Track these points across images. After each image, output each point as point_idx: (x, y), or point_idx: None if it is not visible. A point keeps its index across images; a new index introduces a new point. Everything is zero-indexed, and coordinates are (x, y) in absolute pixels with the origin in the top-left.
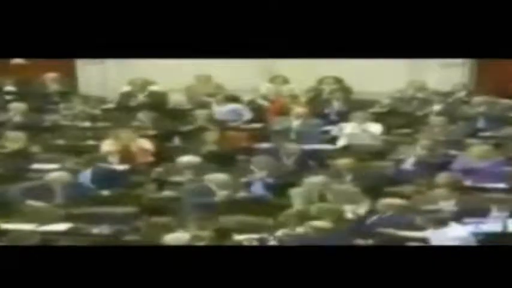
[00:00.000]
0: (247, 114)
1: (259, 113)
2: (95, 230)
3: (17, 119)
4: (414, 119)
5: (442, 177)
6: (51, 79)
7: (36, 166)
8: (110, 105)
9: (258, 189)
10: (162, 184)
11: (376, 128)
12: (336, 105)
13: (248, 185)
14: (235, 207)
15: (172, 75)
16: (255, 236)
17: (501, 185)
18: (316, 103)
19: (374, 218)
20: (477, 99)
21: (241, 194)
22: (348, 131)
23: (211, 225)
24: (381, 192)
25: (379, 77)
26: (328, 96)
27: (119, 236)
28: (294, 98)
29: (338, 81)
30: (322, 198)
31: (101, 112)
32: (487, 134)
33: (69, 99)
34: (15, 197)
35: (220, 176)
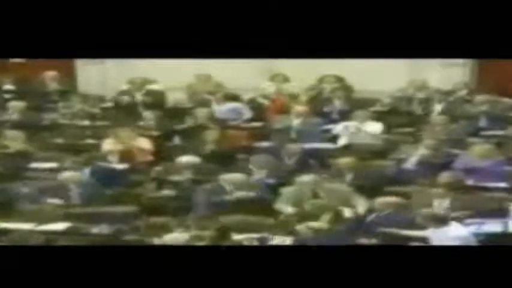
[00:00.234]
0: (247, 113)
1: (259, 111)
2: (94, 230)
3: (16, 117)
4: (415, 118)
5: (443, 176)
6: (50, 78)
7: (35, 165)
8: (109, 104)
9: None
10: (161, 183)
11: (376, 127)
12: (337, 104)
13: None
14: (236, 207)
15: (172, 75)
16: (255, 235)
17: (502, 184)
18: (317, 102)
19: (372, 217)
20: (479, 98)
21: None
22: (349, 130)
23: (213, 225)
24: (382, 192)
25: (380, 75)
26: (329, 95)
27: (118, 235)
28: (295, 96)
29: (339, 79)
30: (315, 197)
31: (100, 111)
32: (489, 133)
33: (69, 98)
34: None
35: (236, 176)
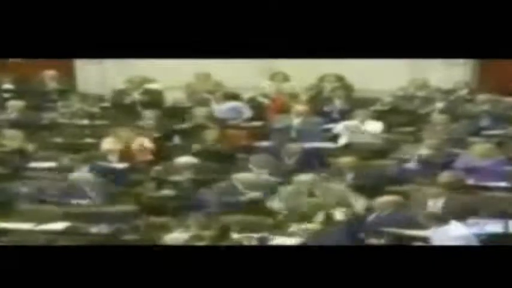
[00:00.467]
0: (247, 112)
1: (259, 111)
2: (94, 229)
3: (15, 117)
4: (416, 117)
5: (444, 176)
6: (49, 77)
7: (34, 164)
8: (108, 104)
9: None
10: (161, 183)
11: (377, 126)
12: (337, 103)
13: None
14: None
15: (171, 74)
16: (255, 235)
17: (503, 184)
18: (317, 101)
19: (372, 216)
20: (480, 97)
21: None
22: (349, 129)
23: (213, 224)
24: (383, 191)
25: (381, 75)
26: (329, 94)
27: (117, 235)
28: (295, 95)
29: (339, 79)
30: (311, 196)
31: (99, 110)
32: (490, 132)
33: (68, 97)
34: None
35: (248, 176)
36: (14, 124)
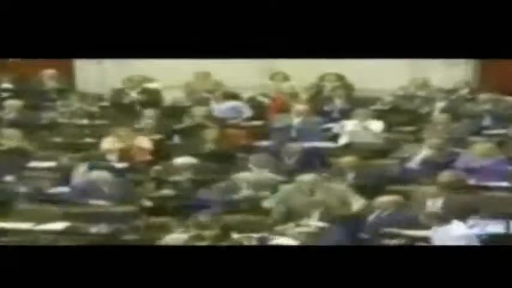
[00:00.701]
0: (247, 112)
1: (259, 110)
2: (93, 229)
3: (13, 116)
4: (416, 116)
5: (444, 175)
6: (48, 76)
7: (33, 164)
8: (106, 103)
9: None
10: (161, 183)
11: (377, 125)
12: (338, 102)
13: None
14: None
15: (171, 74)
16: (255, 235)
17: (504, 184)
18: (317, 100)
19: (373, 216)
20: (482, 96)
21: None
22: (349, 129)
23: (214, 224)
24: (384, 191)
25: (381, 74)
26: (329, 94)
27: (117, 235)
28: (295, 95)
29: (340, 78)
30: (309, 195)
31: (99, 109)
32: (491, 132)
33: (67, 96)
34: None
35: (248, 176)
36: (12, 123)
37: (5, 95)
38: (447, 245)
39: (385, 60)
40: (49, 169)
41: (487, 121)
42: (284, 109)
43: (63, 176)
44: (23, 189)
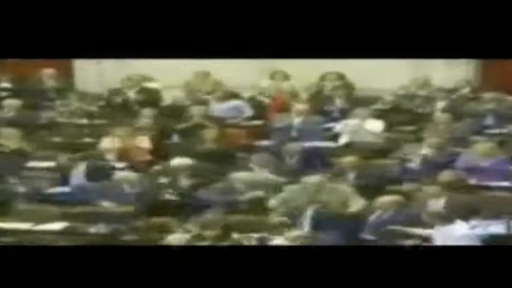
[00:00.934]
0: (248, 111)
1: (259, 110)
2: (92, 229)
3: (11, 115)
4: (417, 116)
5: (445, 175)
6: (47, 75)
7: (31, 164)
8: (104, 103)
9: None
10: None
11: (378, 125)
12: (338, 102)
13: None
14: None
15: (171, 74)
16: (255, 235)
17: (505, 183)
18: (318, 100)
19: (375, 216)
20: (486, 95)
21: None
22: (350, 128)
23: (214, 224)
24: (385, 191)
25: (382, 73)
26: (330, 93)
27: (116, 235)
28: (295, 94)
29: (340, 77)
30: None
31: (98, 109)
32: (492, 131)
33: (66, 96)
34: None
35: (246, 175)
36: (11, 123)
37: (3, 94)
38: (449, 245)
39: (386, 60)
40: (48, 169)
41: (489, 120)
42: (284, 109)
43: (63, 175)
44: (21, 189)
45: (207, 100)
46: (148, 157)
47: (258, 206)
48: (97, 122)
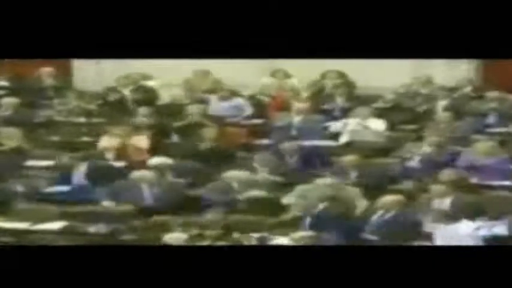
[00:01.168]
0: (248, 109)
1: (259, 108)
2: (91, 229)
3: (9, 114)
4: (419, 114)
5: (446, 174)
6: (45, 74)
7: (30, 163)
8: (102, 101)
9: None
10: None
11: (378, 124)
12: (339, 100)
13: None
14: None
15: (170, 73)
16: (255, 235)
17: (507, 183)
18: (318, 98)
19: (377, 215)
20: (488, 94)
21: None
22: (350, 127)
23: (215, 224)
24: (386, 190)
25: (383, 72)
26: (330, 91)
27: (115, 235)
28: (296, 93)
29: (341, 75)
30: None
31: (97, 107)
32: (493, 130)
33: (64, 94)
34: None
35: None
36: (9, 122)
37: (1, 92)
38: (452, 245)
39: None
40: (46, 168)
41: (490, 119)
42: (285, 107)
43: (62, 174)
44: (20, 188)
45: (206, 99)
46: (147, 156)
47: (258, 206)
48: (95, 120)
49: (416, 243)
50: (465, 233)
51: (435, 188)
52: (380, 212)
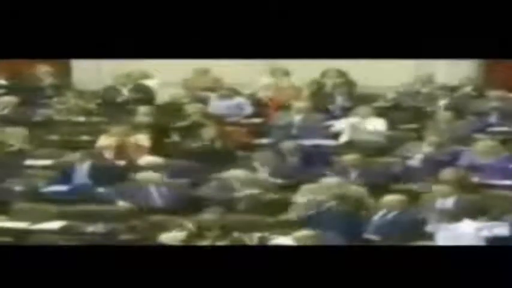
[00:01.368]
0: (248, 108)
1: (259, 107)
2: (90, 229)
3: (7, 113)
4: (419, 113)
5: (447, 173)
6: (44, 73)
7: (28, 162)
8: (99, 100)
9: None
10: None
11: (379, 123)
12: (339, 99)
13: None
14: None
15: (169, 71)
16: (255, 235)
17: (508, 182)
18: (319, 97)
19: (379, 215)
20: (490, 93)
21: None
22: (351, 127)
23: (214, 224)
24: (387, 190)
25: (384, 71)
26: (331, 90)
27: (114, 234)
28: (296, 92)
29: (342, 74)
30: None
31: (96, 106)
32: (494, 129)
33: (63, 93)
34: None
35: (241, 173)
36: (7, 121)
37: (0, 91)
38: (454, 245)
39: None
40: (45, 167)
41: (492, 118)
42: (285, 106)
43: (62, 174)
44: (18, 187)
45: (206, 97)
46: (147, 155)
47: (258, 206)
48: (94, 119)
49: (418, 243)
50: (467, 233)
51: (437, 187)
52: (382, 212)
